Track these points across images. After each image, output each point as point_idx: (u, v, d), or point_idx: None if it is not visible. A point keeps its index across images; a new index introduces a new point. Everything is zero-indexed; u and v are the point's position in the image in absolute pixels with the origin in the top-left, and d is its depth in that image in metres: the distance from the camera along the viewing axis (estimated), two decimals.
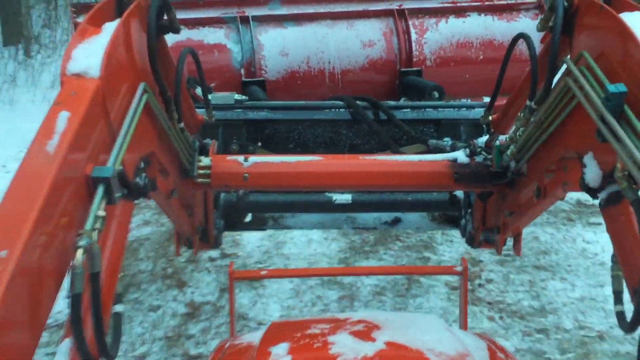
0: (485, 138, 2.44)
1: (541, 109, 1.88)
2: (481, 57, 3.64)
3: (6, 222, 1.07)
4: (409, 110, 3.02)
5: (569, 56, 1.74)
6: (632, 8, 1.54)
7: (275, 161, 2.38)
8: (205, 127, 2.47)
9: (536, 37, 3.58)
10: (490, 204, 2.65)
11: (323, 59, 3.52)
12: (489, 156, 2.32)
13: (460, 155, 2.35)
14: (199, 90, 2.62)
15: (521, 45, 2.15)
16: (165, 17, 1.84)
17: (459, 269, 2.38)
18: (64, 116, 1.28)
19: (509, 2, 3.74)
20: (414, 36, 3.58)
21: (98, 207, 1.25)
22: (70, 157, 1.23)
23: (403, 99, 3.49)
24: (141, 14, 1.74)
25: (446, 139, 2.73)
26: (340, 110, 3.01)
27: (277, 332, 1.71)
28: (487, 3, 3.73)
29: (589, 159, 1.58)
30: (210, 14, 3.51)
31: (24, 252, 1.03)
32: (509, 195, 2.36)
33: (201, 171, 2.29)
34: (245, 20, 3.48)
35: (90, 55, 1.44)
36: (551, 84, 1.82)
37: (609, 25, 1.54)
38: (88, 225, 1.20)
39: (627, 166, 1.31)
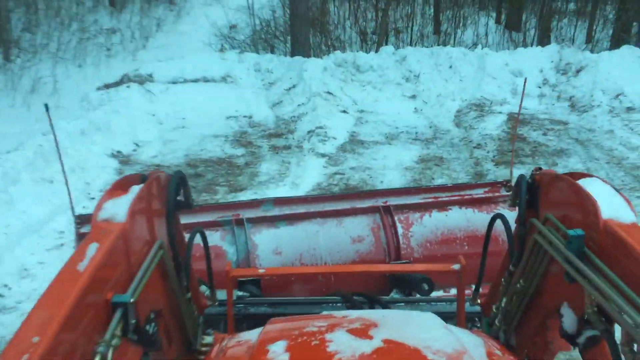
0: (477, 325, 2.52)
1: (519, 271, 2.08)
2: (466, 248, 3.80)
3: (32, 329, 1.21)
4: (403, 304, 3.12)
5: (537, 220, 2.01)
6: (583, 176, 1.87)
7: None
8: (208, 321, 2.57)
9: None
10: None
11: (315, 256, 3.67)
12: (480, 329, 2.43)
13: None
14: (203, 288, 2.77)
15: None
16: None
17: (456, 267, 2.39)
18: (93, 246, 1.52)
19: (487, 195, 4.01)
20: (400, 230, 3.77)
21: (115, 327, 1.43)
22: (95, 280, 1.43)
23: (394, 291, 3.57)
24: (160, 186, 2.04)
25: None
26: (338, 304, 3.09)
27: (274, 330, 1.71)
28: (466, 197, 4.00)
29: (565, 309, 1.76)
30: (207, 218, 3.72)
31: (49, 347, 1.17)
32: None
33: (204, 348, 2.36)
34: (239, 222, 3.69)
35: (117, 206, 1.73)
36: (524, 247, 2.08)
37: (566, 189, 1.84)
38: (107, 336, 1.38)
39: (594, 298, 1.50)
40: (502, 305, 2.22)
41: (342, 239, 3.73)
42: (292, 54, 12.60)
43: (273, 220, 3.76)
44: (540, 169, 2.15)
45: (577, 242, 1.63)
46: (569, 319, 1.73)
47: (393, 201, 3.95)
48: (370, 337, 1.52)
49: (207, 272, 2.53)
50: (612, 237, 1.56)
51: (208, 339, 2.40)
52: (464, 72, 11.45)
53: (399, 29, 15.73)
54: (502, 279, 2.20)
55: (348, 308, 3.08)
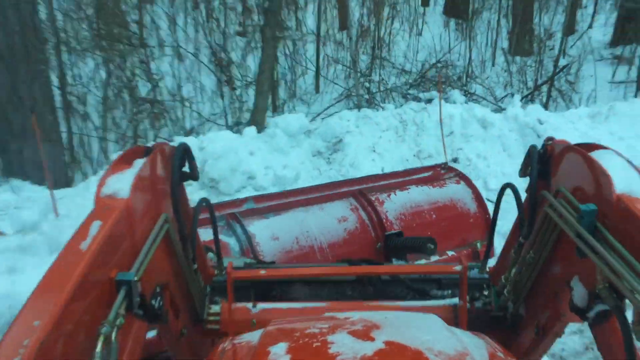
0: (485, 293, 2.55)
1: (529, 243, 2.05)
2: (434, 216, 4.19)
3: (35, 309, 1.19)
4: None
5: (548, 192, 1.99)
6: (597, 148, 1.82)
7: (283, 307, 2.45)
8: (216, 289, 2.52)
9: (462, 196, 4.33)
10: None
11: (309, 237, 3.78)
12: (488, 299, 2.43)
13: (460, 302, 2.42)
14: (210, 255, 2.74)
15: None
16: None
17: (458, 268, 2.40)
18: (96, 224, 1.47)
19: (433, 174, 4.51)
20: (377, 207, 4.06)
21: (120, 306, 1.38)
22: (99, 258, 1.39)
23: (394, 261, 3.76)
24: (165, 158, 1.98)
25: (448, 291, 2.83)
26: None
27: (276, 332, 1.71)
28: (416, 177, 4.45)
29: (575, 282, 1.72)
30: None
31: (47, 338, 1.13)
32: (511, 342, 2.38)
33: (211, 317, 2.35)
34: (232, 216, 3.70)
35: (120, 181, 1.67)
36: (534, 219, 2.04)
37: (579, 161, 1.78)
38: (111, 317, 1.33)
39: (605, 275, 1.46)
40: (512, 275, 2.20)
41: (329, 220, 3.90)
42: None
43: (261, 212, 3.83)
44: (552, 139, 2.09)
45: (589, 217, 1.59)
46: (579, 293, 1.69)
47: (357, 187, 4.26)
48: (372, 339, 1.51)
49: (214, 242, 2.49)
50: (626, 213, 1.50)
51: (215, 308, 2.37)
52: None
53: None
54: (512, 251, 2.18)
55: (356, 275, 3.15)
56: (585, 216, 1.57)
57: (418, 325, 1.67)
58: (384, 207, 4.11)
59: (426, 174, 4.55)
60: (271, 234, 3.70)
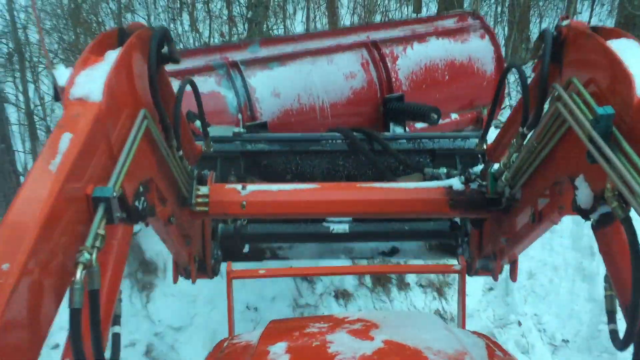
0: (480, 167, 2.52)
1: (533, 134, 1.93)
2: (446, 77, 3.97)
3: (9, 237, 1.11)
4: (404, 141, 3.14)
5: (559, 83, 1.79)
6: (618, 35, 1.61)
7: (273, 189, 2.40)
8: (204, 158, 2.47)
9: (482, 55, 4.05)
10: (486, 232, 2.69)
11: (312, 95, 3.64)
12: (484, 183, 2.36)
13: (456, 183, 2.40)
14: (198, 124, 2.61)
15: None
16: (166, 48, 1.87)
17: (457, 267, 2.45)
18: (66, 137, 1.32)
19: (458, 26, 4.14)
20: (389, 64, 3.82)
21: (98, 226, 1.28)
22: (72, 177, 1.27)
23: (392, 126, 3.69)
24: (142, 44, 1.78)
25: (442, 168, 2.84)
26: (337, 141, 3.11)
27: (275, 331, 1.71)
28: (440, 29, 4.10)
29: (580, 182, 1.61)
30: (195, 63, 3.48)
31: (25, 267, 1.07)
32: (504, 222, 2.38)
33: (199, 199, 2.31)
34: (233, 65, 3.50)
35: (92, 80, 1.48)
36: (542, 110, 1.88)
37: (596, 51, 1.60)
38: (88, 242, 1.24)
39: (616, 186, 1.35)
40: (512, 161, 2.13)
41: (335, 77, 3.71)
42: None
43: (265, 62, 3.62)
44: (567, 17, 1.86)
45: (606, 121, 1.42)
46: (584, 194, 1.59)
47: (375, 35, 3.95)
48: (371, 338, 1.50)
49: (200, 124, 2.35)
50: None
51: (203, 190, 2.30)
52: None
53: None
54: (514, 140, 2.07)
55: (348, 145, 3.08)
56: (601, 120, 1.42)
57: (417, 324, 1.68)
58: (397, 64, 3.87)
59: (452, 24, 4.18)
60: (272, 89, 3.56)
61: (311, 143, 3.10)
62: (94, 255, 1.23)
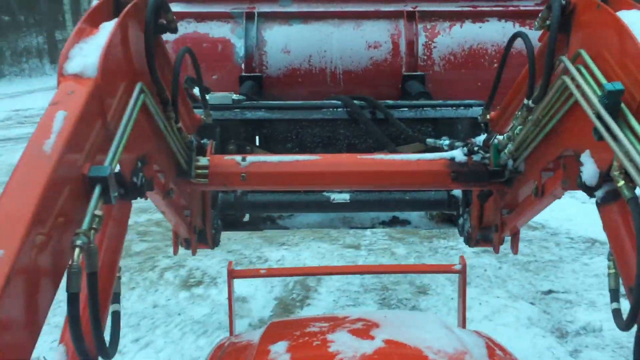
0: (483, 137, 2.40)
1: (539, 107, 1.87)
2: (495, 64, 3.41)
3: (3, 222, 1.07)
4: (406, 109, 2.97)
5: (566, 55, 1.73)
6: (629, 6, 1.55)
7: (273, 160, 2.38)
8: (203, 127, 2.46)
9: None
10: (487, 203, 2.62)
11: (325, 58, 3.46)
12: (487, 155, 2.30)
13: (458, 154, 2.32)
14: (196, 90, 2.61)
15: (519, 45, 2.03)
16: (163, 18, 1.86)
17: (457, 267, 2.39)
18: (60, 115, 1.28)
19: (536, 8, 3.48)
20: (422, 39, 3.43)
21: (95, 207, 1.25)
22: (67, 157, 1.23)
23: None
24: (138, 13, 1.74)
25: (444, 138, 2.66)
26: (338, 109, 2.99)
27: (276, 331, 1.73)
28: (510, 9, 3.50)
29: (585, 157, 1.58)
30: (220, 9, 3.57)
31: (20, 252, 1.03)
32: (506, 194, 2.37)
33: (199, 171, 2.30)
34: (251, 16, 3.50)
35: (87, 55, 1.45)
36: (548, 82, 1.81)
37: (606, 23, 1.54)
38: (85, 224, 1.21)
39: (623, 164, 1.33)
40: (516, 133, 2.06)
41: (357, 43, 3.45)
42: None
43: (287, 17, 3.53)
44: None
45: (614, 98, 1.39)
46: (589, 170, 1.55)
47: (424, 7, 3.55)
48: (372, 338, 1.51)
49: (199, 93, 2.37)
50: None
51: (203, 161, 2.30)
52: None
53: None
54: (519, 112, 1.99)
55: (348, 114, 2.97)
56: (609, 96, 1.40)
57: (417, 324, 1.69)
58: (435, 41, 3.44)
59: (529, 4, 3.54)
60: (284, 45, 3.47)
61: (312, 111, 3.03)
62: (92, 237, 1.21)
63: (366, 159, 2.41)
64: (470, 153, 2.33)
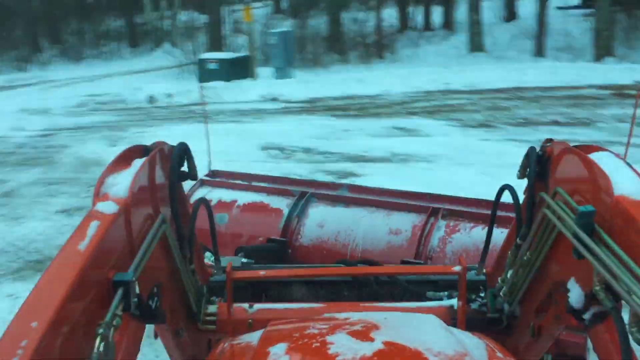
0: (481, 294, 2.46)
1: (526, 244, 2.02)
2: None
3: (39, 300, 1.20)
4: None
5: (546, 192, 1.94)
6: (596, 150, 1.80)
7: (279, 308, 2.55)
8: (213, 288, 2.67)
9: None
10: None
11: (350, 236, 3.74)
12: (484, 301, 2.36)
13: (456, 302, 2.36)
14: (207, 255, 2.95)
15: None
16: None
17: (457, 268, 2.33)
18: (94, 224, 1.47)
19: None
20: (441, 232, 3.52)
21: (117, 307, 1.37)
22: (96, 258, 1.38)
23: None
24: (163, 158, 1.99)
25: (444, 292, 2.72)
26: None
27: (275, 333, 1.73)
28: None
29: (571, 284, 1.69)
30: (289, 187, 4.22)
31: (49, 329, 1.13)
32: (507, 344, 2.26)
33: (207, 318, 2.47)
34: (304, 195, 4.06)
35: (120, 182, 1.68)
36: (532, 219, 2.01)
37: (578, 163, 1.76)
38: (108, 317, 1.32)
39: (602, 276, 1.44)
40: (508, 276, 2.18)
41: (380, 228, 3.68)
42: None
43: (335, 200, 3.99)
44: (551, 140, 2.06)
45: (587, 218, 1.55)
46: (575, 295, 1.66)
47: (451, 206, 3.70)
48: (371, 340, 1.52)
49: (212, 243, 2.55)
50: (624, 215, 1.48)
51: (212, 308, 2.46)
52: None
53: None
54: (509, 252, 2.16)
55: (352, 276, 3.00)
56: (582, 217, 1.57)
57: (417, 325, 1.72)
58: (452, 237, 3.49)
59: None
60: (321, 220, 3.87)
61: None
62: (111, 333, 1.30)
63: (369, 307, 2.45)
64: (468, 301, 2.35)
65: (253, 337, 1.72)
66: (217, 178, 4.54)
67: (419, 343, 1.48)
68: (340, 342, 1.48)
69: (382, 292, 2.89)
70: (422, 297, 2.75)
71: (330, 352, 1.43)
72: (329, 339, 1.51)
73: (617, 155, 1.72)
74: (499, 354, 1.67)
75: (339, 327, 1.60)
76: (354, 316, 1.72)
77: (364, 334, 1.54)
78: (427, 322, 1.70)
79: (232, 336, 2.43)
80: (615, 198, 1.51)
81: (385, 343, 1.48)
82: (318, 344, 1.50)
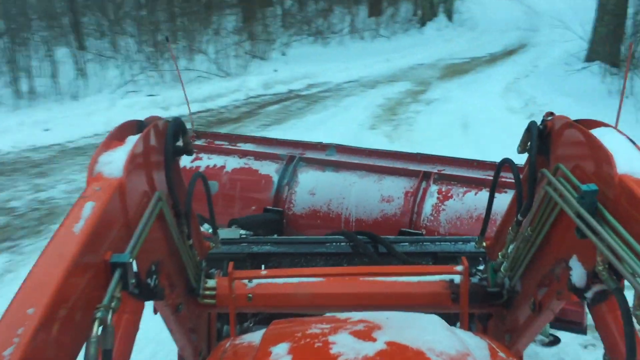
0: (481, 267, 2.45)
1: (527, 221, 1.98)
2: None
3: (34, 286, 1.18)
4: (407, 243, 3.05)
5: (547, 169, 1.89)
6: (597, 125, 1.73)
7: (278, 282, 2.53)
8: (212, 259, 2.67)
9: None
10: (490, 331, 2.58)
11: (342, 205, 3.67)
12: (485, 276, 2.38)
13: (457, 277, 2.37)
14: (206, 227, 2.86)
15: None
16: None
17: (459, 268, 2.33)
18: (89, 205, 1.43)
19: None
20: (433, 200, 3.45)
21: (114, 288, 1.36)
22: (92, 240, 1.36)
23: None
24: (158, 134, 1.95)
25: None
26: (341, 244, 3.14)
27: (277, 332, 1.73)
28: None
29: (573, 262, 1.66)
30: (277, 151, 4.09)
31: (46, 315, 1.12)
32: (507, 317, 2.34)
33: (207, 292, 2.46)
34: (293, 159, 3.95)
35: (114, 160, 1.62)
36: (533, 196, 1.96)
37: (579, 139, 1.71)
38: (105, 301, 1.31)
39: (605, 257, 1.42)
40: (509, 251, 2.15)
41: (372, 195, 3.61)
42: None
43: (324, 164, 3.88)
44: (552, 114, 1.97)
45: (590, 197, 1.53)
46: (577, 273, 1.64)
47: (449, 170, 3.60)
48: (374, 339, 1.51)
49: (209, 215, 2.52)
50: (628, 194, 1.44)
51: (211, 283, 2.47)
52: None
53: None
54: (510, 228, 2.11)
55: (351, 247, 3.07)
56: (585, 196, 1.54)
57: (419, 325, 1.72)
58: (445, 204, 3.43)
59: None
60: (312, 188, 3.79)
61: (316, 245, 3.33)
62: (110, 315, 1.29)
63: (368, 281, 2.46)
64: (468, 275, 2.34)
65: (255, 337, 1.72)
66: (202, 140, 4.41)
67: (422, 343, 1.48)
68: (342, 342, 1.48)
69: (382, 264, 2.89)
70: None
71: (332, 351, 1.43)
72: (331, 338, 1.50)
73: (621, 133, 1.65)
74: (501, 354, 1.64)
75: (341, 327, 1.59)
76: (356, 316, 1.70)
77: (366, 333, 1.53)
78: (430, 322, 1.68)
79: (232, 310, 2.53)
80: (618, 177, 1.47)
81: (388, 343, 1.48)
82: (320, 344, 1.50)
